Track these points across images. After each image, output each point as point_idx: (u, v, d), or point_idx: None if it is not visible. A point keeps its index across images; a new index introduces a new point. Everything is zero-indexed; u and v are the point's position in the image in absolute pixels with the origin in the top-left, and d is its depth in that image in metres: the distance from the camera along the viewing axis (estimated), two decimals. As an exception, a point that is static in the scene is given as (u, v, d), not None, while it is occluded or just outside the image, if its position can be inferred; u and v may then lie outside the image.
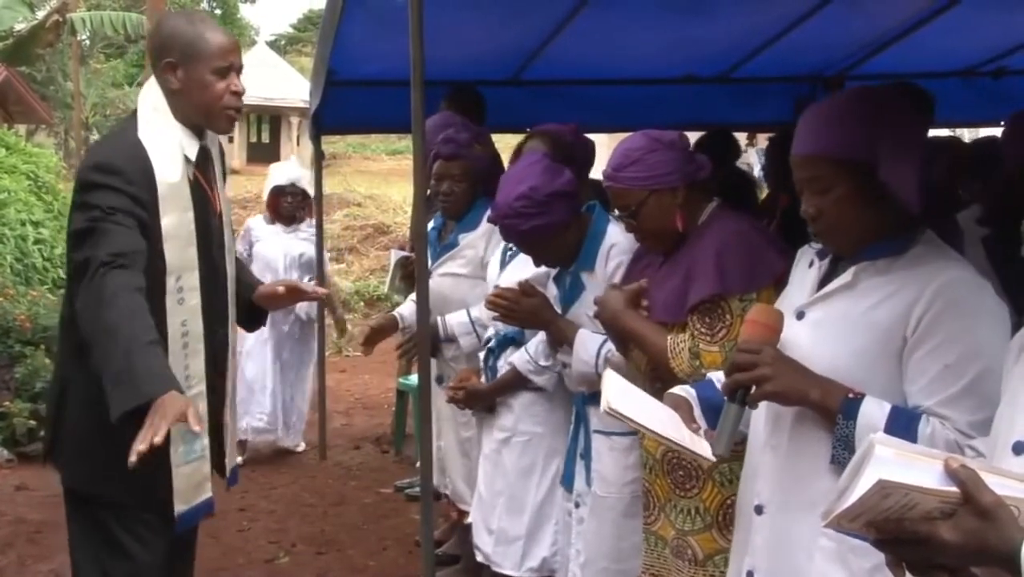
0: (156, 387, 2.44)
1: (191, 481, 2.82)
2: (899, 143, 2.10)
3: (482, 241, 4.23)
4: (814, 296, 2.23)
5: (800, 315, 2.22)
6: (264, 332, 6.81)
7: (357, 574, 5.10)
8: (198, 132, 2.88)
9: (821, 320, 2.18)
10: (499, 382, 3.81)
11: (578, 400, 3.40)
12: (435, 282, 4.30)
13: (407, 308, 4.59)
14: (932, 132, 5.25)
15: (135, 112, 2.86)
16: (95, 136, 29.02)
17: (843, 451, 2.06)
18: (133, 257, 2.60)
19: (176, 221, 2.76)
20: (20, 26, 16.63)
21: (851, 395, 2.06)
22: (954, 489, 1.42)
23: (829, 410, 2.08)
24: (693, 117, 6.17)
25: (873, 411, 2.04)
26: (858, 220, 2.14)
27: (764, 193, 6.14)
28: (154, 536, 2.83)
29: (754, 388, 2.13)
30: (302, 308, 7.04)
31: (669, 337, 2.80)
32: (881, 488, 1.41)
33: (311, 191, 7.10)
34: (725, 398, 2.20)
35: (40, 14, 18.22)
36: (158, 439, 2.32)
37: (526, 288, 3.33)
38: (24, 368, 7.41)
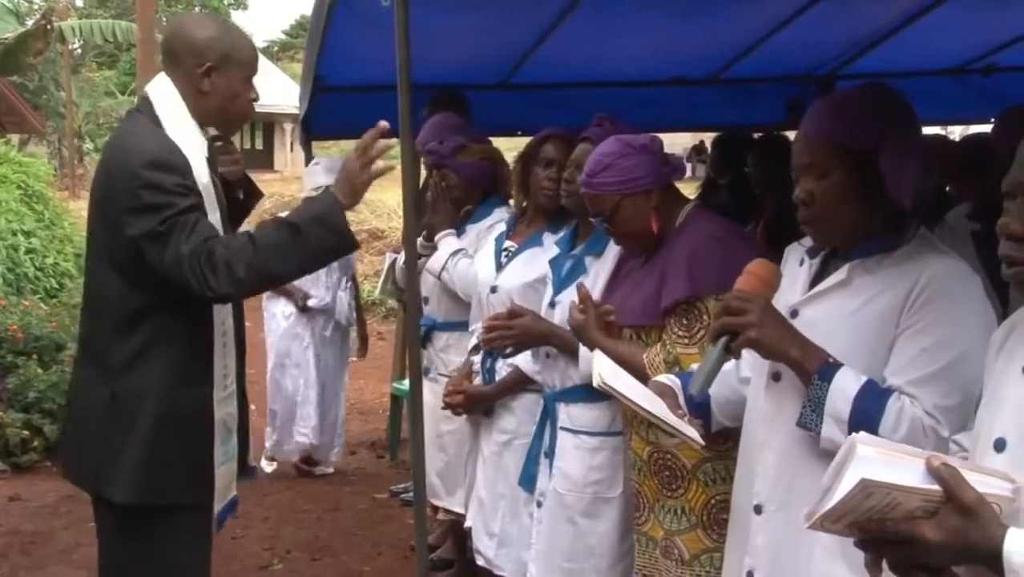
0: (326, 198, 2.74)
1: (225, 481, 2.89)
2: (903, 140, 2.13)
3: (487, 223, 4.27)
4: (808, 294, 2.25)
5: (794, 313, 2.23)
6: (305, 338, 6.79)
7: (351, 580, 5.09)
8: (203, 130, 2.88)
9: (816, 318, 2.20)
10: (502, 384, 3.82)
11: (548, 397, 3.41)
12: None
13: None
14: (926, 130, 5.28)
15: (145, 108, 2.82)
16: (88, 145, 28.98)
17: (811, 413, 2.10)
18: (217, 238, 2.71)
19: (213, 221, 2.78)
20: (8, 35, 16.57)
21: (830, 360, 2.09)
22: (936, 487, 1.42)
23: (806, 371, 2.11)
24: (684, 119, 6.18)
25: (849, 378, 2.07)
26: (849, 210, 2.17)
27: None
28: (200, 541, 2.89)
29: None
30: (341, 313, 6.82)
31: (645, 355, 2.84)
32: (863, 488, 1.41)
33: None
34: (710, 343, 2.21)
35: (29, 23, 18.15)
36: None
37: (513, 310, 3.35)
38: (16, 378, 7.38)
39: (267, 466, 6.93)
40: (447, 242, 4.22)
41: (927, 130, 5.36)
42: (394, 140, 3.02)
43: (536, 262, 3.72)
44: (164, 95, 2.82)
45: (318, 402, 6.81)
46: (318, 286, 6.69)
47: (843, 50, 5.40)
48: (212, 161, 2.88)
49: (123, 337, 2.74)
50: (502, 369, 3.82)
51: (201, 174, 2.75)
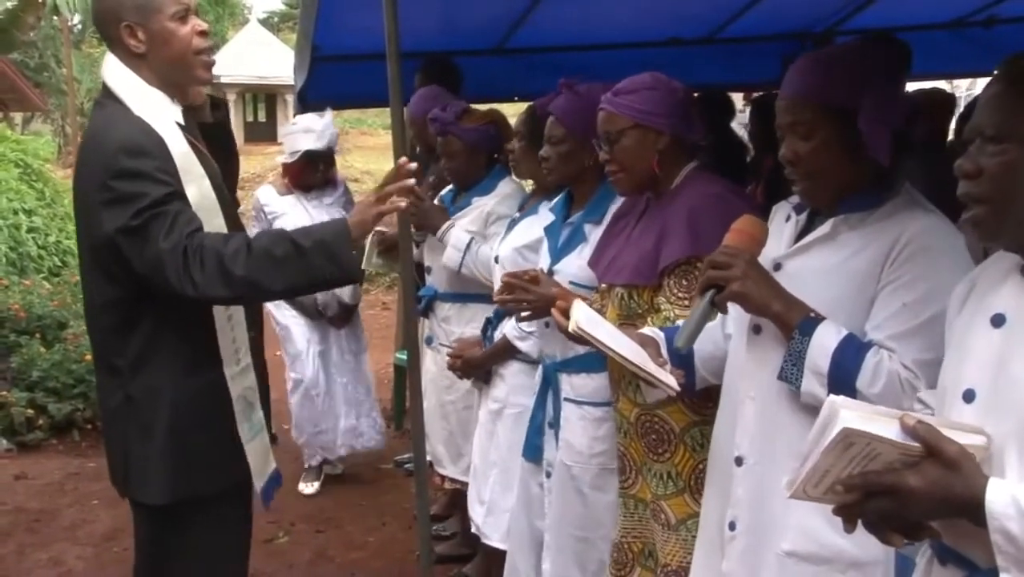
0: (337, 225, 2.58)
1: (260, 456, 2.84)
2: (881, 96, 2.12)
3: (492, 200, 4.22)
4: (792, 248, 2.26)
5: (777, 266, 2.25)
6: (305, 330, 5.79)
7: (356, 551, 5.10)
8: (172, 97, 2.74)
9: (799, 270, 2.22)
10: (491, 350, 3.86)
11: (549, 367, 3.38)
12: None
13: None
14: (929, 84, 5.20)
15: (108, 95, 2.68)
16: (91, 122, 28.92)
17: (792, 367, 2.12)
18: (201, 230, 2.56)
19: (197, 192, 2.64)
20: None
21: (812, 314, 2.11)
22: (915, 444, 1.45)
23: (787, 325, 2.13)
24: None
25: (829, 332, 2.08)
26: (835, 168, 2.17)
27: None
28: (240, 523, 2.89)
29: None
30: (344, 291, 5.69)
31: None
32: (845, 436, 1.44)
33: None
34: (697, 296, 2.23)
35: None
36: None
37: (535, 276, 3.24)
38: (20, 357, 7.40)
39: (307, 488, 5.97)
40: (454, 236, 4.16)
41: (930, 84, 5.31)
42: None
43: (529, 229, 3.73)
44: (116, 74, 2.67)
45: (346, 405, 5.98)
46: None
47: (840, 6, 5.32)
48: (190, 125, 2.75)
49: (126, 338, 2.65)
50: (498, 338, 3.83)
51: (177, 143, 2.61)
